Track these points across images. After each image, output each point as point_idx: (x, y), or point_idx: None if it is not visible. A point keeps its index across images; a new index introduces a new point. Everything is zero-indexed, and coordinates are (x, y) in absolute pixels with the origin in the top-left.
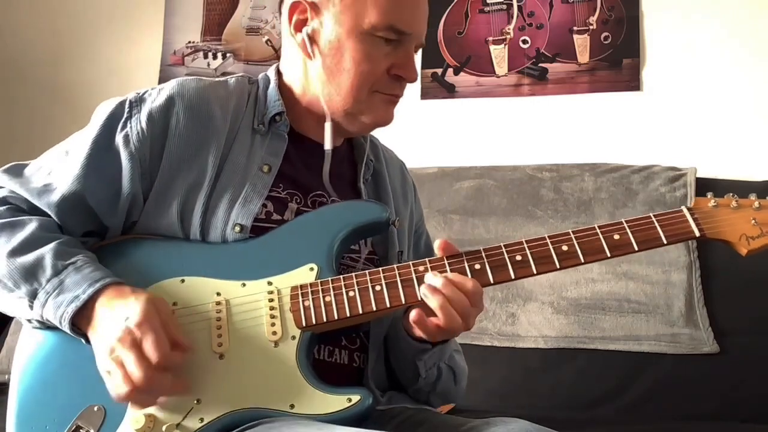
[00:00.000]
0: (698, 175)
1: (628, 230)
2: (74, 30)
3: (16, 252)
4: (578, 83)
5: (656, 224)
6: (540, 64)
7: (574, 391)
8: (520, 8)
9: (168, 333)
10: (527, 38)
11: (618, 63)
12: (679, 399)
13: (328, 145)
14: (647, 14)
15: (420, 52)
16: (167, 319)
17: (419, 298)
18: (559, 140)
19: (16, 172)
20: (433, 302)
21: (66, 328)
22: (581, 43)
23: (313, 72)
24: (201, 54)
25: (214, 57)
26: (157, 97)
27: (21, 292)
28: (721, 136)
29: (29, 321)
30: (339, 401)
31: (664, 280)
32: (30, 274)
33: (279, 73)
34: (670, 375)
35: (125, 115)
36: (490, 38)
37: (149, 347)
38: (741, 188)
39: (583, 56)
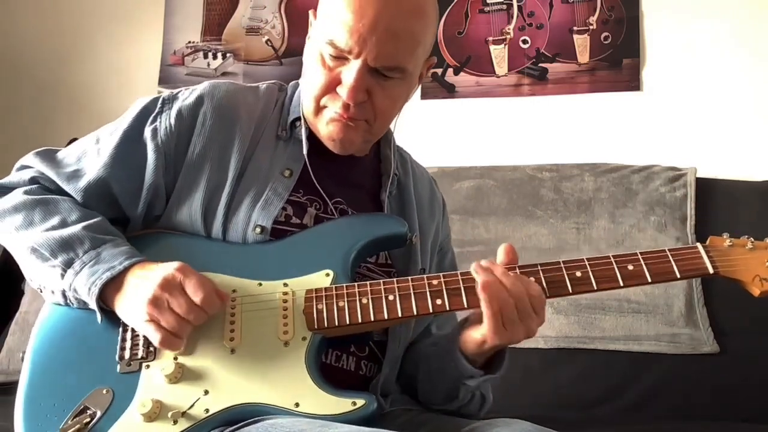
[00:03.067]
0: (698, 175)
1: (642, 262)
2: (74, 30)
3: (54, 225)
4: (578, 83)
5: (671, 259)
6: (540, 64)
7: (574, 391)
8: (520, 8)
9: (208, 281)
10: (527, 38)
11: (618, 63)
12: (679, 399)
13: (304, 147)
14: (647, 14)
15: None
16: (202, 275)
17: (430, 310)
18: (559, 140)
19: (47, 155)
20: (495, 291)
21: (93, 296)
22: (581, 43)
23: None
24: (201, 54)
25: (214, 57)
26: (188, 96)
27: (56, 261)
28: (721, 136)
29: (53, 293)
30: (343, 404)
31: None
32: (68, 245)
33: None
34: (670, 375)
35: (157, 111)
36: (490, 38)
37: (192, 288)
38: (741, 188)
39: (583, 56)
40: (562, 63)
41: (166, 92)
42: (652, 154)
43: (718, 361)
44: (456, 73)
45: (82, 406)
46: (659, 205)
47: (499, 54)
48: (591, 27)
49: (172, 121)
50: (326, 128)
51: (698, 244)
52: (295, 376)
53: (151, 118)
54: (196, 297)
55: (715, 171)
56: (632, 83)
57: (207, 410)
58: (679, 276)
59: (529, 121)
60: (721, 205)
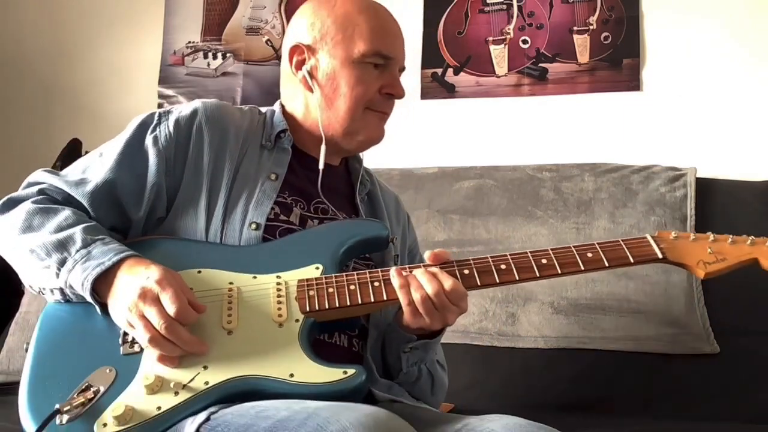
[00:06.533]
0: (698, 175)
1: (599, 250)
2: (74, 30)
3: (50, 230)
4: (578, 83)
5: (624, 247)
6: (540, 64)
7: (574, 391)
8: (520, 8)
9: (185, 293)
10: (527, 38)
11: (618, 63)
12: (679, 399)
13: (321, 164)
14: (647, 14)
15: (420, 53)
16: (183, 284)
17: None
18: (559, 140)
19: (54, 172)
20: (411, 288)
21: (87, 289)
22: (581, 43)
23: (314, 102)
24: (201, 54)
25: (214, 57)
26: (183, 109)
27: (51, 260)
28: (721, 136)
29: (52, 292)
30: (335, 373)
31: (664, 280)
32: (61, 246)
33: (282, 105)
34: (670, 375)
35: (155, 122)
36: (490, 38)
37: (167, 300)
38: (741, 188)
39: (583, 56)
40: (562, 63)
41: (160, 109)
42: (652, 154)
43: (718, 361)
44: (456, 73)
45: (86, 384)
46: (659, 205)
47: (499, 54)
48: (591, 27)
49: (171, 129)
50: (369, 130)
51: (647, 235)
52: (289, 351)
53: (150, 129)
54: (170, 309)
55: (715, 171)
56: (632, 83)
57: (207, 383)
58: (632, 261)
59: (529, 121)
60: (721, 205)
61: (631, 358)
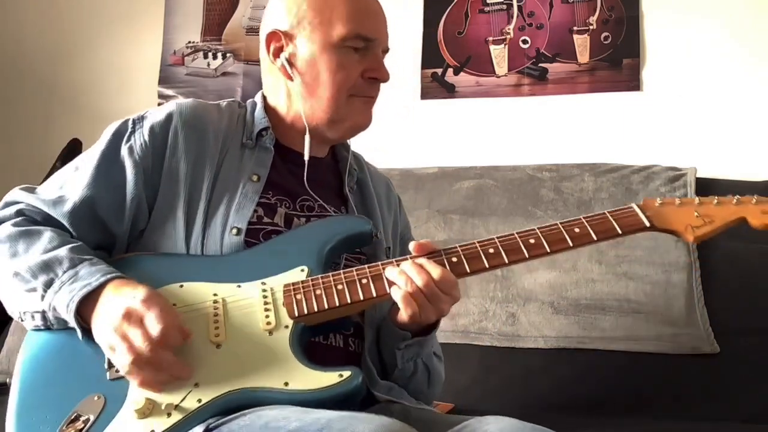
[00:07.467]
0: (698, 175)
1: (586, 224)
2: (74, 30)
3: (36, 252)
4: (578, 83)
5: (610, 218)
6: (540, 64)
7: (574, 391)
8: (520, 8)
9: (171, 315)
10: (527, 38)
11: (618, 63)
12: (679, 399)
13: (306, 155)
14: (647, 14)
15: (420, 53)
16: (169, 306)
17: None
18: (559, 140)
19: (31, 189)
20: (401, 283)
21: (72, 311)
22: (581, 43)
23: (295, 91)
24: (201, 54)
25: (214, 57)
26: (158, 114)
27: (37, 282)
28: (721, 136)
29: (32, 317)
30: (330, 377)
31: (664, 280)
32: (47, 267)
33: (264, 98)
34: (670, 375)
35: (129, 130)
36: (490, 38)
37: (152, 322)
38: (741, 188)
39: (583, 56)
40: (562, 63)
41: (134, 114)
42: (652, 154)
43: (718, 361)
44: (456, 73)
45: (74, 414)
46: None
47: (499, 54)
48: (591, 27)
49: (146, 137)
50: (355, 116)
51: (633, 204)
52: (281, 359)
53: (125, 138)
54: (154, 330)
55: (715, 171)
56: (632, 83)
57: (199, 400)
58: (620, 231)
59: (529, 121)
60: None
61: (631, 358)
